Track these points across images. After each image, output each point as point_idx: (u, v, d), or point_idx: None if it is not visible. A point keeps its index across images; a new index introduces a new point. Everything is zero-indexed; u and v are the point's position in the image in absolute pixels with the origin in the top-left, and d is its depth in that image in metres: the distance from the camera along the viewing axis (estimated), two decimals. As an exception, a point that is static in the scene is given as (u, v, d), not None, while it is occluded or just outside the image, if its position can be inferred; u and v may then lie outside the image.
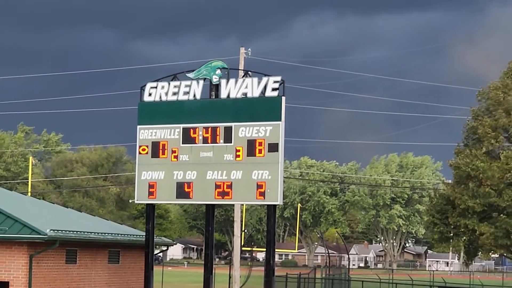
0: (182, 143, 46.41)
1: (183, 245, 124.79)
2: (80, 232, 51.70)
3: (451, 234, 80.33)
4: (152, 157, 47.09)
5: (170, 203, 57.48)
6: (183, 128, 46.49)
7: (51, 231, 47.03)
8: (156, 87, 47.32)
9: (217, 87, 46.51)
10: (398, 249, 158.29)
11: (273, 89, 45.54)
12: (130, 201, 77.02)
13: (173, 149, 46.50)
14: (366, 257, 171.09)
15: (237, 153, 45.48)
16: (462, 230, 77.65)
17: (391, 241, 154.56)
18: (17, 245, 46.25)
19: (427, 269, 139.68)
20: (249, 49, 65.58)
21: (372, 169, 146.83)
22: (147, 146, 47.26)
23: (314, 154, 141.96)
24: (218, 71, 47.06)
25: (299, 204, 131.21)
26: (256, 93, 45.72)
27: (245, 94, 46.02)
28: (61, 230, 48.75)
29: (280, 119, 45.12)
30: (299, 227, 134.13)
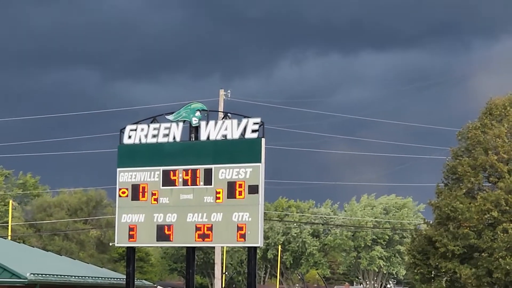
0: (162, 186, 46.50)
1: None
2: (60, 275, 51.65)
3: (433, 275, 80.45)
4: (132, 199, 47.11)
5: (151, 246, 57.39)
6: (163, 171, 46.61)
7: (31, 275, 47.07)
8: (135, 130, 47.39)
9: (196, 129, 46.69)
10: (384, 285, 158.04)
11: (253, 131, 45.69)
12: (111, 244, 76.94)
13: (153, 192, 46.56)
14: None
15: (217, 195, 45.59)
16: (443, 271, 77.82)
17: (372, 282, 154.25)
18: None
19: None
20: (229, 91, 66.17)
21: (356, 210, 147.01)
22: (127, 189, 47.24)
23: (292, 195, 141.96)
24: (198, 113, 47.19)
25: (279, 246, 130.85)
26: (236, 135, 45.87)
27: (225, 136, 46.16)
28: (41, 274, 48.75)
29: (260, 161, 45.26)
30: (280, 269, 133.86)
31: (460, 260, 75.79)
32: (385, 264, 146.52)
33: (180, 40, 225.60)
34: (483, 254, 74.20)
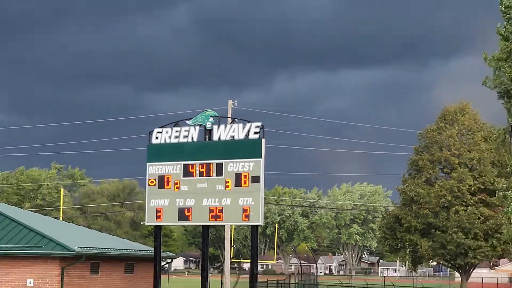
0: (183, 177, 46.74)
1: (184, 258, 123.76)
2: (102, 248, 51.92)
3: (399, 247, 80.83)
4: (158, 188, 47.44)
5: (173, 225, 57.42)
6: (183, 165, 46.87)
7: (79, 247, 47.19)
8: (161, 132, 47.81)
9: (210, 131, 46.99)
10: (356, 259, 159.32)
11: (255, 133, 45.97)
12: (142, 223, 76.75)
13: (176, 181, 46.82)
14: (330, 266, 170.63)
15: (227, 184, 45.85)
16: (407, 243, 78.25)
17: (350, 253, 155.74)
18: (51, 260, 46.34)
19: (379, 275, 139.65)
20: (236, 101, 66.40)
21: (338, 196, 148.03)
22: (154, 179, 47.62)
23: (286, 183, 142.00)
24: (211, 119, 47.59)
25: (276, 224, 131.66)
26: (241, 136, 46.16)
27: (233, 137, 46.48)
28: (87, 247, 48.91)
29: (260, 157, 45.52)
30: (277, 242, 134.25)
31: (421, 235, 76.86)
32: (360, 238, 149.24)
33: (196, 60, 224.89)
34: (438, 230, 75.19)
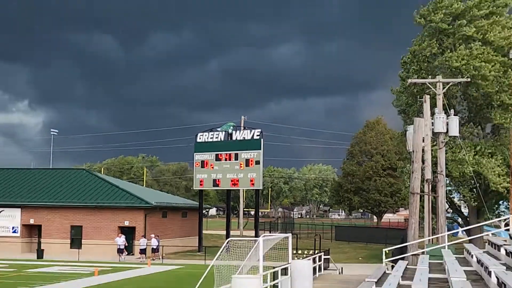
0: (215, 161, 47.31)
1: (216, 208, 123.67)
2: (168, 202, 52.37)
3: (341, 201, 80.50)
4: (201, 167, 48.22)
5: (209, 189, 56.98)
6: (215, 154, 47.39)
7: (155, 202, 47.43)
8: (203, 135, 48.34)
9: (230, 134, 47.87)
10: (316, 209, 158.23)
11: (257, 135, 46.75)
12: (191, 188, 76.85)
13: (211, 164, 47.56)
14: (301, 212, 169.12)
15: (240, 165, 46.49)
16: (346, 199, 77.85)
17: (313, 205, 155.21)
18: (138, 209, 46.51)
19: (329, 217, 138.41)
20: (246, 116, 66.65)
21: (306, 172, 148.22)
22: (199, 162, 48.20)
23: (275, 164, 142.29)
24: (231, 127, 48.44)
25: (269, 188, 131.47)
26: (249, 137, 46.93)
27: (244, 137, 47.30)
28: (159, 202, 49.12)
29: (260, 149, 46.44)
30: (270, 199, 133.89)
31: (353, 194, 75.95)
32: (318, 196, 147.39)
33: (222, 92, 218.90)
34: (364, 191, 74.56)
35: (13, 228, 47.89)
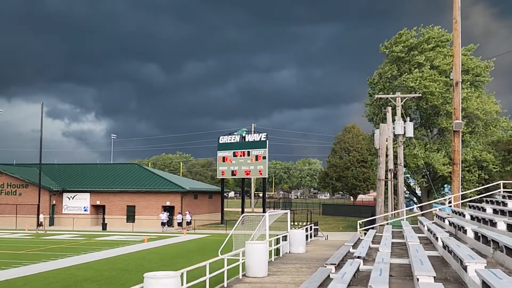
0: (233, 156, 46.90)
1: (234, 192, 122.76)
2: (198, 188, 52.15)
3: (326, 186, 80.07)
4: (222, 161, 47.71)
5: (229, 177, 56.29)
6: (233, 152, 47.07)
7: (188, 187, 47.40)
8: (224, 137, 47.98)
9: (244, 137, 47.48)
10: (308, 192, 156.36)
11: (264, 138, 46.42)
12: (216, 177, 76.57)
13: (230, 159, 47.14)
14: (296, 194, 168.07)
15: (252, 160, 46.16)
16: (330, 184, 77.42)
17: (306, 189, 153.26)
18: (176, 193, 46.30)
19: (318, 198, 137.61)
20: (255, 123, 66.68)
21: (298, 164, 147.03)
22: (221, 158, 47.81)
23: (277, 158, 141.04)
24: (245, 132, 48.07)
25: (273, 176, 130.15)
26: (258, 139, 46.63)
27: (254, 139, 46.80)
28: (192, 187, 49.08)
29: (266, 148, 46.07)
30: (273, 184, 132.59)
31: (336, 180, 75.40)
32: (309, 182, 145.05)
33: (238, 106, 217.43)
34: (344, 178, 73.97)
35: (84, 207, 48.21)
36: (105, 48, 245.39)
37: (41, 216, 42.73)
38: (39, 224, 42.12)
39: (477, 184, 36.93)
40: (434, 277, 8.57)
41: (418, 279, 8.57)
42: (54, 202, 47.82)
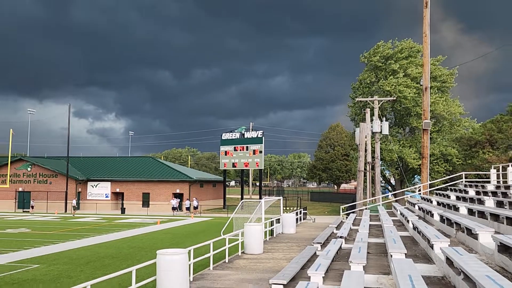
0: (234, 151, 46.56)
1: (235, 181, 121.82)
2: (204, 177, 51.88)
3: (314, 176, 79.83)
4: (225, 155, 47.21)
5: (230, 169, 55.69)
6: (233, 146, 46.68)
7: (195, 177, 47.22)
8: (226, 134, 47.50)
9: (243, 134, 46.85)
10: (298, 181, 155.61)
11: (260, 134, 46.04)
12: (219, 168, 76.29)
13: (231, 153, 46.65)
14: (288, 183, 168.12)
15: (250, 153, 45.78)
16: (317, 174, 77.15)
17: (296, 179, 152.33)
18: (184, 182, 46.03)
19: (307, 187, 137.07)
20: (253, 122, 66.30)
21: (290, 157, 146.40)
22: (223, 152, 47.35)
23: (272, 152, 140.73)
24: (244, 129, 47.62)
25: (269, 168, 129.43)
26: (255, 136, 46.19)
27: (252, 136, 46.39)
28: (198, 177, 48.87)
29: (262, 143, 45.60)
30: (268, 175, 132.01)
31: (322, 171, 75.02)
32: (299, 173, 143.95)
33: (238, 108, 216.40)
34: (329, 170, 73.30)
35: (105, 194, 48.11)
36: (124, 57, 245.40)
37: (73, 201, 42.98)
38: (74, 208, 42.35)
39: (443, 175, 37.05)
40: (405, 253, 8.61)
41: (391, 256, 8.61)
42: (79, 189, 47.72)
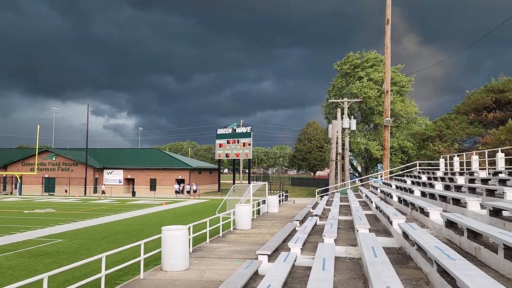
0: (227, 143, 46.31)
1: (227, 169, 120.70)
2: (202, 166, 51.48)
3: (294, 164, 79.60)
4: (219, 147, 46.94)
5: (224, 158, 55.82)
6: (226, 140, 46.42)
7: (195, 166, 46.84)
8: (220, 129, 47.11)
9: (235, 130, 46.47)
10: (281, 169, 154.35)
11: (249, 130, 45.74)
12: (214, 158, 76.24)
13: (225, 145, 46.38)
14: (273, 171, 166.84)
15: (240, 146, 45.51)
16: (297, 163, 76.85)
17: (279, 167, 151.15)
18: (184, 170, 45.49)
19: (288, 173, 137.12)
20: (243, 120, 65.82)
21: (275, 149, 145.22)
22: (218, 144, 47.05)
23: (259, 145, 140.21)
24: (235, 125, 47.22)
25: (256, 159, 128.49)
26: (245, 131, 45.83)
27: (242, 131, 46.07)
28: (197, 166, 48.45)
29: (250, 137, 45.36)
30: (256, 163, 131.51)
31: (301, 161, 74.76)
32: (282, 162, 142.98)
33: (231, 107, 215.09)
34: (307, 159, 72.54)
35: (119, 180, 47.61)
36: (135, 65, 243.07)
37: (102, 186, 42.65)
38: (103, 192, 41.83)
39: (400, 164, 37.40)
40: (369, 229, 8.65)
41: (357, 230, 8.64)
42: (96, 176, 47.18)
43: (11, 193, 45.97)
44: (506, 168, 13.29)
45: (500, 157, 13.10)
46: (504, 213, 6.71)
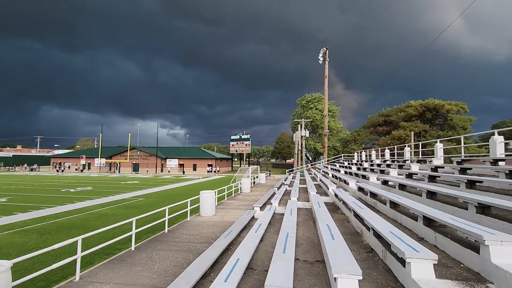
0: (236, 144, 45.61)
1: (237, 158, 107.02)
2: (222, 157, 50.46)
3: (275, 155, 76.61)
4: (232, 146, 46.16)
5: (235, 153, 51.87)
6: (236, 142, 45.54)
7: (218, 156, 45.99)
8: (233, 136, 46.06)
9: (241, 136, 45.39)
10: (268, 159, 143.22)
11: (249, 136, 44.70)
12: (229, 152, 72.03)
13: (235, 145, 45.37)
14: (262, 159, 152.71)
15: (244, 145, 44.54)
16: (278, 157, 72.61)
17: (266, 158, 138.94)
18: (212, 159, 44.52)
19: (270, 162, 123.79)
20: (245, 131, 63.81)
21: (263, 147, 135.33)
22: (232, 144, 46.16)
23: (255, 144, 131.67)
24: (241, 134, 46.36)
25: (252, 152, 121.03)
26: (246, 137, 45.02)
27: (245, 137, 45.14)
28: (219, 156, 47.62)
29: (249, 141, 44.38)
30: (253, 155, 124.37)
31: (278, 153, 71.24)
32: (268, 154, 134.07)
33: (236, 124, 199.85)
34: (281, 154, 65.19)
35: (175, 164, 46.86)
36: (183, 98, 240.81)
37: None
38: (183, 172, 40.25)
39: (333, 156, 37.42)
40: (316, 192, 8.71)
41: (310, 193, 8.68)
42: (162, 163, 46.68)
43: (114, 171, 45.34)
44: (389, 158, 13.49)
45: (387, 152, 13.27)
46: (390, 183, 6.83)
